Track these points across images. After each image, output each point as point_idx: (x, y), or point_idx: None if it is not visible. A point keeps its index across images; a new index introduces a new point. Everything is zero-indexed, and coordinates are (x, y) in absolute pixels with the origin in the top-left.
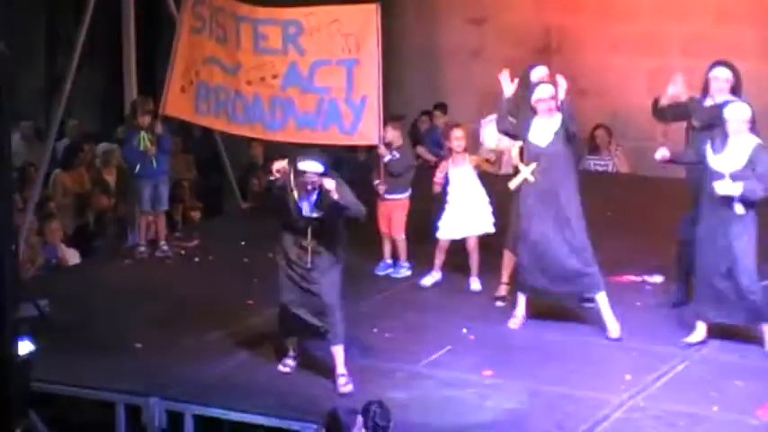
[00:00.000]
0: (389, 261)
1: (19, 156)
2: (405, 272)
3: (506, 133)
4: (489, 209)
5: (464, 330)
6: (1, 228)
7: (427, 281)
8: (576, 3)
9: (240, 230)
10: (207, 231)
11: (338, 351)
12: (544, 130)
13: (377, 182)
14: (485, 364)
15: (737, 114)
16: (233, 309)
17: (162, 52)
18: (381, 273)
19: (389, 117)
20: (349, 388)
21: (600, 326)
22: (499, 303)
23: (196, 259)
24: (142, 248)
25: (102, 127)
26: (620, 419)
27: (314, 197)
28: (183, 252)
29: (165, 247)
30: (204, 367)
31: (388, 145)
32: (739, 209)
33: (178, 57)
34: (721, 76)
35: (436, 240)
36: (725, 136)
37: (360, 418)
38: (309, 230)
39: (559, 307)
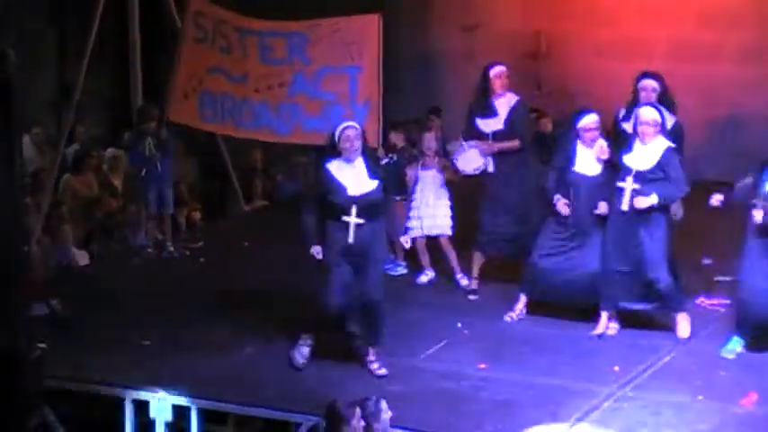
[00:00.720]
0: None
1: (31, 161)
2: (401, 270)
3: None
4: (449, 213)
5: (459, 325)
6: (14, 230)
7: (423, 279)
8: (564, 9)
9: (243, 232)
10: (211, 233)
11: (375, 351)
12: (590, 158)
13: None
14: (479, 357)
15: (645, 117)
16: (237, 306)
17: (167, 60)
18: None
19: (396, 123)
20: (383, 371)
21: (590, 320)
22: (472, 297)
23: (201, 259)
24: (149, 250)
25: (109, 133)
26: (610, 409)
27: (361, 162)
28: (188, 253)
29: (172, 248)
30: (209, 363)
31: (393, 147)
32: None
33: (181, 65)
34: (649, 86)
35: (414, 242)
36: (635, 137)
37: (358, 411)
38: (354, 210)
39: (551, 303)
